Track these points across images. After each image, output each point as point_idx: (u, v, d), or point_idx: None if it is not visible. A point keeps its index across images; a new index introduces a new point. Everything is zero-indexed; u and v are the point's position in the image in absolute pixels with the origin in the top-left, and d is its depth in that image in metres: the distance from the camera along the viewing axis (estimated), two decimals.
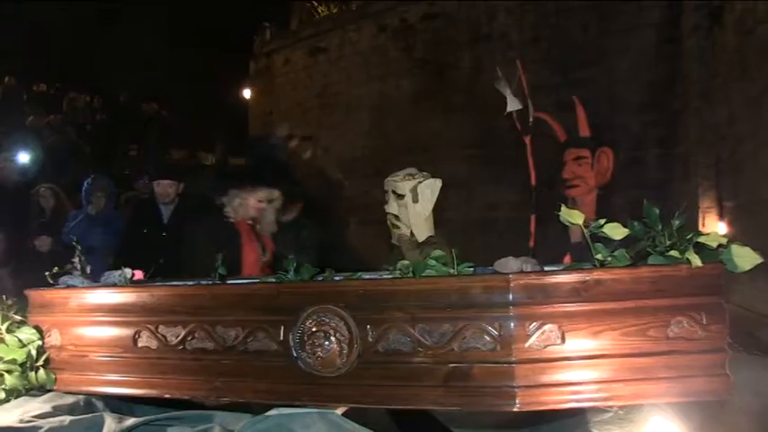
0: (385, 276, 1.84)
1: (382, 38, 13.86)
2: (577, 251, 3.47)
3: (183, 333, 1.87)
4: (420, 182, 3.42)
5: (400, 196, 3.41)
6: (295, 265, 1.92)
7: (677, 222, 1.72)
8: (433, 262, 1.69)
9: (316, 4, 15.60)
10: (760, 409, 2.36)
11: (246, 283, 1.92)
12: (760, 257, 1.67)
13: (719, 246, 1.64)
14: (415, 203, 3.40)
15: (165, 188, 4.85)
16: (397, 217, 3.40)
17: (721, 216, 8.02)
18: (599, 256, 1.63)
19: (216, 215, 3.52)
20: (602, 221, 1.67)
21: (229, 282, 2.01)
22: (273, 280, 1.95)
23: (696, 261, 1.58)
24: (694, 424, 1.78)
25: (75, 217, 5.28)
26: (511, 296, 1.60)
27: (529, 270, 1.94)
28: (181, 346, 1.88)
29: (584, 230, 1.66)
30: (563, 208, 1.68)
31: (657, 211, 1.78)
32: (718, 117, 8.21)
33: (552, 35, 11.13)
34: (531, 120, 3.87)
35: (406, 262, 1.75)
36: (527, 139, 3.81)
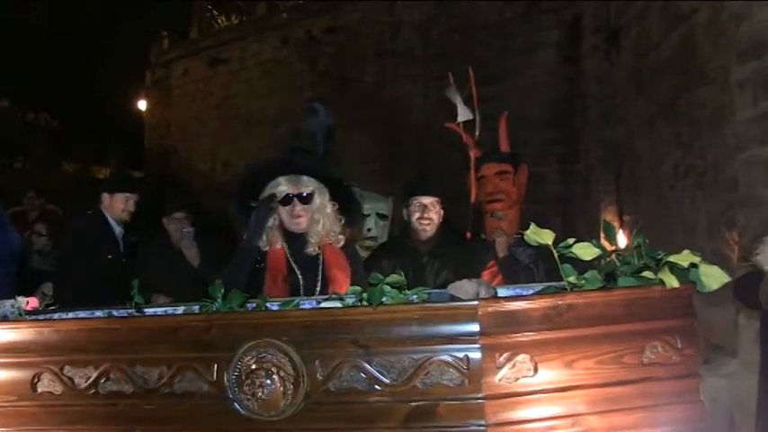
0: (335, 305, 1.64)
1: (285, 50, 13.63)
2: (504, 266, 3.40)
3: (94, 375, 1.59)
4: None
5: (384, 217, 3.22)
6: (223, 290, 1.68)
7: (635, 242, 1.63)
8: (387, 288, 1.51)
9: (216, 14, 15.16)
10: None
11: (171, 315, 1.67)
12: (728, 276, 1.60)
13: (691, 265, 1.55)
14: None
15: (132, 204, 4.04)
16: (376, 239, 3.21)
17: (621, 228, 8.33)
18: (571, 279, 1.50)
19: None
20: (570, 241, 1.55)
21: (150, 313, 1.74)
22: (198, 309, 1.71)
23: (673, 282, 1.49)
24: None
25: None
26: (479, 325, 1.44)
27: (484, 293, 1.80)
28: (92, 390, 1.59)
29: (554, 250, 1.53)
30: (532, 225, 1.55)
31: (616, 228, 1.69)
32: (618, 135, 8.55)
33: (456, 52, 11.29)
34: (478, 133, 3.77)
35: (358, 288, 1.56)
36: (473, 153, 3.69)
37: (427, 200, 3.05)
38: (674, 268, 1.56)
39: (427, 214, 3.02)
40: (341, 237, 2.44)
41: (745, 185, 5.02)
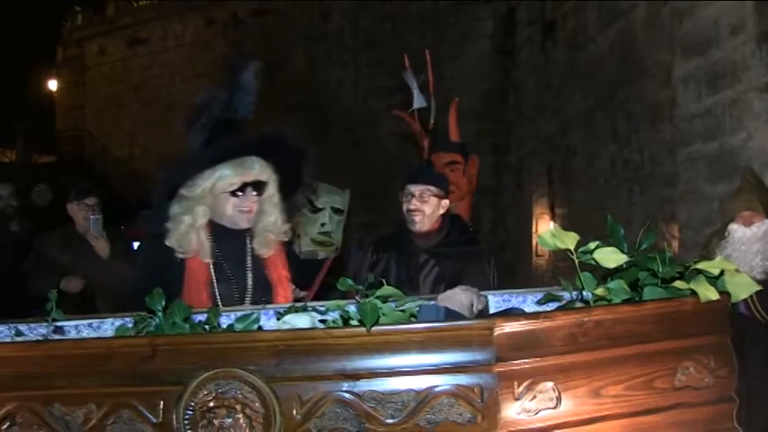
0: (303, 320, 1.34)
1: (210, 32, 13.08)
2: None
3: None
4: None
5: (340, 211, 2.89)
6: (163, 300, 1.35)
7: (644, 244, 1.42)
8: (378, 303, 1.22)
9: None
10: None
11: (102, 339, 1.32)
12: (756, 285, 1.42)
13: (722, 273, 1.35)
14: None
15: None
16: (329, 234, 2.87)
17: (553, 221, 8.34)
18: (599, 291, 1.26)
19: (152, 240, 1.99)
20: (591, 245, 1.31)
21: (71, 333, 1.39)
22: (131, 327, 1.38)
23: (711, 294, 1.27)
24: None
25: None
26: (494, 350, 1.18)
27: (476, 303, 1.56)
28: None
29: (574, 255, 1.29)
30: (554, 227, 1.30)
31: (623, 230, 1.46)
32: (551, 128, 8.53)
33: (387, 40, 11.07)
34: (432, 122, 3.51)
35: (341, 302, 1.27)
36: (425, 143, 3.43)
37: (416, 188, 2.68)
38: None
39: (414, 205, 2.65)
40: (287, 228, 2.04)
41: (687, 181, 5.01)
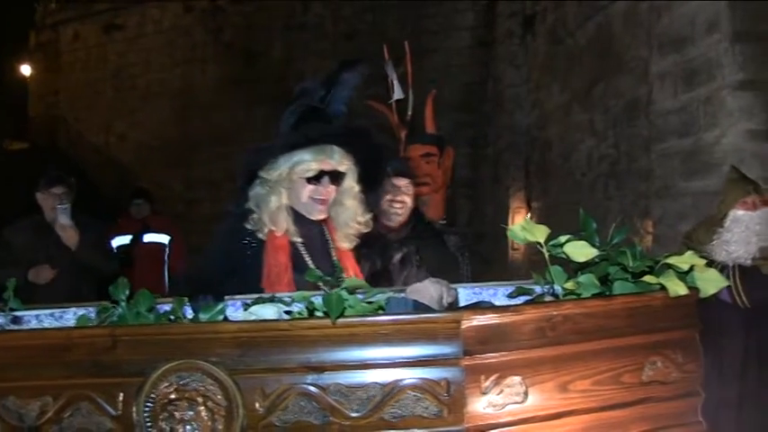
0: (269, 311, 1.32)
1: (188, 19, 12.87)
2: None
3: None
4: None
5: None
6: (128, 289, 1.32)
7: (616, 239, 1.41)
8: (345, 294, 1.20)
9: None
10: None
11: (61, 329, 1.29)
12: (725, 280, 1.42)
13: (691, 268, 1.35)
14: None
15: None
16: None
17: (529, 215, 8.37)
18: (569, 285, 1.25)
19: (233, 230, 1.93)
20: (562, 239, 1.30)
21: (31, 324, 1.34)
22: (94, 317, 1.34)
23: (679, 289, 1.27)
24: None
25: None
26: (462, 342, 1.17)
27: (446, 296, 1.54)
28: None
29: (544, 248, 1.28)
30: (525, 221, 1.29)
31: (595, 224, 1.46)
32: (529, 121, 8.56)
33: (368, 31, 11.01)
34: (410, 113, 3.49)
35: (306, 293, 1.25)
36: (403, 134, 3.42)
37: (402, 181, 2.68)
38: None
39: (400, 197, 2.65)
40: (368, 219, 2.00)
41: (662, 177, 5.04)
